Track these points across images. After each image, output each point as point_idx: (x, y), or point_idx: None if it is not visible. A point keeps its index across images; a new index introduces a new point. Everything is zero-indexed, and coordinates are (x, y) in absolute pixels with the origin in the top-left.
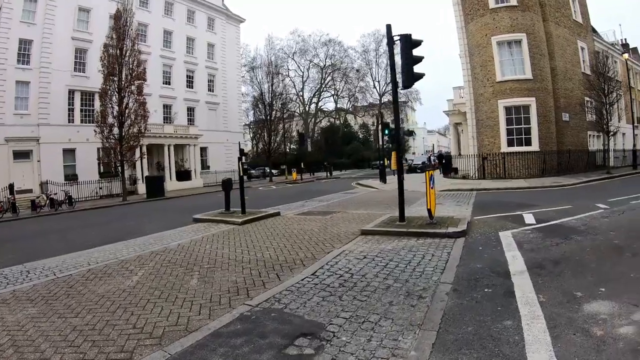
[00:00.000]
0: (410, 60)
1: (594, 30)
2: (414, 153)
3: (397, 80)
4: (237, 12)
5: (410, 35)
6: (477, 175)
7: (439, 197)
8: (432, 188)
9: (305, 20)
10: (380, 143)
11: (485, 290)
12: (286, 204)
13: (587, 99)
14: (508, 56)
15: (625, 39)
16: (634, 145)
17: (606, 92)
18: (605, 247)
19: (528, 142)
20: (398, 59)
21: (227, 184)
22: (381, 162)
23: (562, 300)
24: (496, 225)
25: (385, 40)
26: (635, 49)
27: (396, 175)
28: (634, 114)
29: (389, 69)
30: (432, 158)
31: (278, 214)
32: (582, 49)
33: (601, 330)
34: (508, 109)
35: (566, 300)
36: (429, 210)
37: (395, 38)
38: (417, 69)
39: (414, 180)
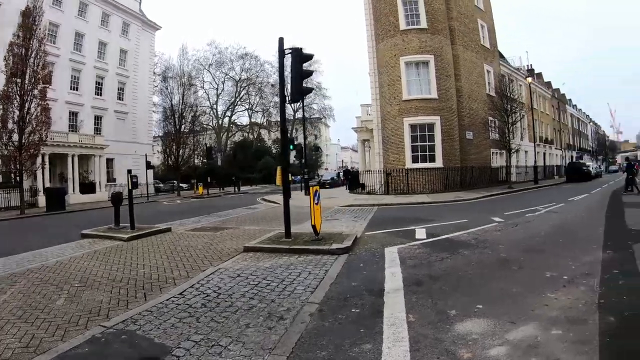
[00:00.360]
0: (299, 74)
1: (501, 56)
2: (326, 169)
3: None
4: (154, 18)
5: (300, 49)
6: (382, 190)
7: (339, 212)
8: (316, 204)
9: (224, 32)
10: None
11: (353, 310)
12: (183, 219)
13: (490, 118)
14: (415, 76)
15: (531, 65)
16: (535, 161)
17: (508, 112)
18: (491, 261)
19: (432, 159)
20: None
21: (116, 198)
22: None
23: (433, 320)
24: (385, 240)
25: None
26: (540, 74)
27: (303, 191)
28: (535, 133)
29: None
30: (340, 174)
31: (169, 229)
32: (488, 72)
33: (469, 352)
34: (413, 127)
35: (438, 320)
36: (314, 227)
37: (287, 51)
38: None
39: (321, 195)
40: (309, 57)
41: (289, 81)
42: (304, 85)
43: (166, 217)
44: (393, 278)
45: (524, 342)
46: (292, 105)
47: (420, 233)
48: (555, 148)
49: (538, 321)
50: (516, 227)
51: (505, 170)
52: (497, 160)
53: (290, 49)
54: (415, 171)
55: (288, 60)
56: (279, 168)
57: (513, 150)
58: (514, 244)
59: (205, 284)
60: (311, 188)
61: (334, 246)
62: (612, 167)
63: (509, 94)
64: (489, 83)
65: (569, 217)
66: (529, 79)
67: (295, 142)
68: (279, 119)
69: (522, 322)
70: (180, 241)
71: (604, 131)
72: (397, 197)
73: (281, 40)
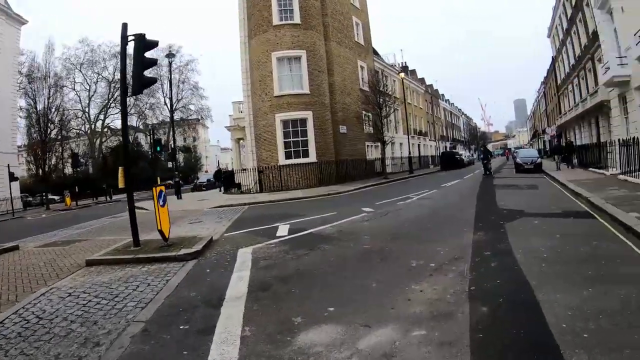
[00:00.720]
0: (141, 64)
1: (375, 53)
2: (206, 171)
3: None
4: (20, 11)
5: (144, 34)
6: (256, 189)
7: (205, 214)
8: (162, 206)
9: (99, 28)
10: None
11: (182, 327)
12: (40, 234)
13: (365, 112)
14: (287, 71)
15: (406, 62)
16: (410, 152)
17: (381, 105)
18: (353, 255)
19: (306, 154)
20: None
21: None
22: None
23: (272, 332)
24: (243, 241)
25: (181, 56)
26: (414, 70)
27: (176, 196)
28: (410, 125)
29: (181, 85)
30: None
31: (16, 247)
32: (362, 67)
33: None
34: (285, 123)
35: (278, 331)
36: (161, 232)
37: (130, 38)
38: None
39: (194, 198)
40: (153, 44)
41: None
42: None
43: (22, 233)
44: (238, 283)
45: (377, 350)
46: (169, 105)
47: (283, 230)
48: (430, 139)
49: (398, 321)
50: (385, 216)
51: (381, 162)
52: (373, 152)
53: (133, 35)
54: (290, 167)
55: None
56: (120, 168)
57: (387, 143)
58: (381, 234)
59: (30, 309)
60: (154, 189)
61: (183, 252)
62: (481, 156)
63: (381, 88)
64: (362, 78)
65: (441, 202)
66: (402, 75)
67: (169, 144)
68: (155, 121)
69: (379, 325)
70: (24, 260)
71: (475, 123)
72: (271, 194)
73: (124, 25)
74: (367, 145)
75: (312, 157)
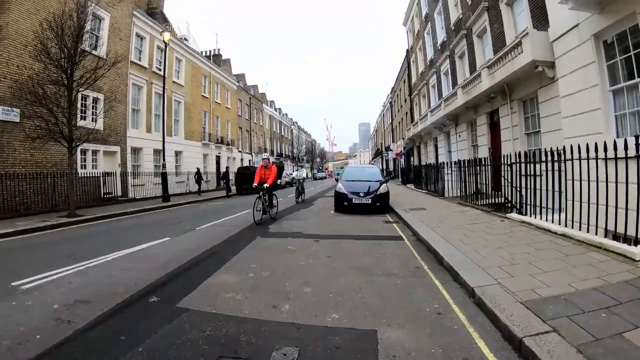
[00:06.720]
0: None
1: (165, 20)
2: None
3: None
4: None
5: None
6: None
7: None
8: None
9: None
10: None
11: None
12: None
13: (86, 93)
14: None
15: (219, 50)
16: (164, 166)
17: (63, 65)
18: None
19: None
20: None
21: None
22: None
23: None
24: None
25: None
26: (227, 60)
27: None
28: (205, 130)
29: None
30: None
31: None
32: (101, 20)
33: None
34: None
35: None
36: None
37: None
38: None
39: None
40: None
41: None
42: None
43: None
44: None
45: None
46: None
47: None
48: (239, 150)
49: None
50: None
51: (68, 182)
52: (102, 163)
53: None
54: None
55: None
56: None
57: (77, 143)
58: None
59: None
60: None
61: None
62: (319, 174)
63: (73, 30)
64: (98, 38)
65: None
66: (166, 35)
67: None
68: None
69: None
70: None
71: (314, 139)
72: None
73: None
74: (86, 150)
75: None
